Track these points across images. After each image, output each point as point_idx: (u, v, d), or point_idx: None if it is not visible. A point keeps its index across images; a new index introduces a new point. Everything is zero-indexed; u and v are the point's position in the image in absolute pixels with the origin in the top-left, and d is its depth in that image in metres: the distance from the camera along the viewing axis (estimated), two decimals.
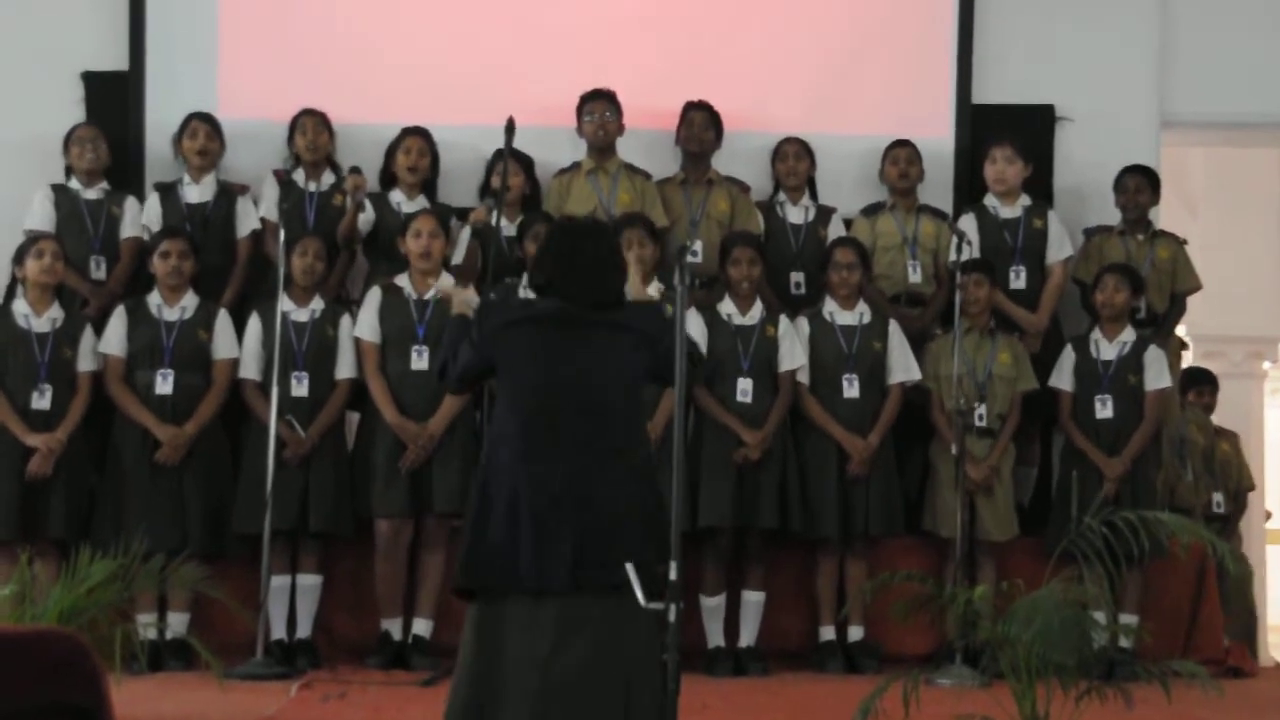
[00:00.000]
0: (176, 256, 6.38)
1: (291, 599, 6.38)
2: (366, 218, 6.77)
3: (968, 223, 7.03)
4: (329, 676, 6.06)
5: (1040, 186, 7.32)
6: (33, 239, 6.40)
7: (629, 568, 3.72)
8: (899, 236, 7.06)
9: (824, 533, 6.49)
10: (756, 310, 6.56)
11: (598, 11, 7.39)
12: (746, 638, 6.50)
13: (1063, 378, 6.77)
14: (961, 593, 4.68)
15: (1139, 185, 7.12)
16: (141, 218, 6.83)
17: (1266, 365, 10.74)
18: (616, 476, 3.94)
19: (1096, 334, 6.77)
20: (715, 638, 6.46)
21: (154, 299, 6.41)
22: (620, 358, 4.00)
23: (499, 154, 6.48)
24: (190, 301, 6.42)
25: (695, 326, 6.40)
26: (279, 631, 6.32)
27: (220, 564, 6.06)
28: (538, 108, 6.84)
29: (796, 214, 7.10)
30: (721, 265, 6.61)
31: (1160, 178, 7.23)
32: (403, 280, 6.48)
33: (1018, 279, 7.04)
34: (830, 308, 6.66)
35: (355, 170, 6.72)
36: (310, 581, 6.41)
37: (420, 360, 6.36)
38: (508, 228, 6.68)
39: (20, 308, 6.30)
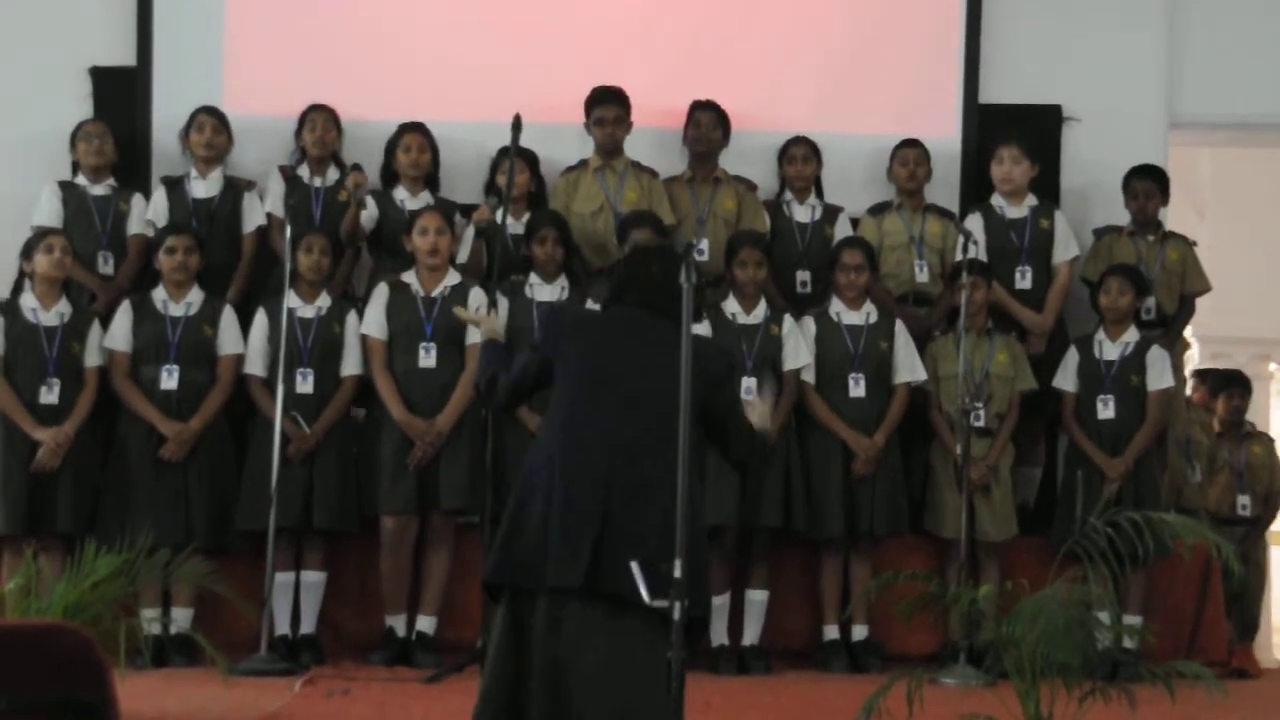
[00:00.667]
0: (182, 252, 6.39)
1: (296, 595, 6.38)
2: (370, 215, 6.78)
3: (974, 222, 7.03)
4: (333, 673, 6.06)
5: (1047, 187, 7.31)
6: (41, 234, 6.41)
7: (633, 566, 3.72)
8: (905, 236, 7.06)
9: (829, 532, 6.49)
10: (761, 309, 6.56)
11: (605, 9, 7.39)
12: (750, 636, 6.50)
13: (1066, 378, 6.77)
14: (965, 592, 4.68)
15: (1148, 187, 7.11)
16: (148, 213, 6.84)
17: (1273, 367, 10.75)
18: (655, 486, 3.90)
19: (1100, 334, 6.77)
20: (719, 636, 6.46)
21: (159, 294, 6.42)
22: (674, 376, 3.87)
23: (504, 151, 6.48)
24: (195, 297, 6.42)
25: (799, 336, 6.49)
26: (283, 627, 6.33)
27: (225, 559, 6.06)
28: (544, 105, 6.85)
29: (803, 213, 7.10)
30: (728, 264, 6.61)
31: (1170, 179, 7.22)
32: (410, 277, 6.48)
33: (1024, 279, 7.03)
34: (837, 307, 6.66)
35: (356, 167, 6.72)
36: (315, 578, 6.41)
37: (428, 357, 6.36)
38: (513, 225, 6.67)
39: (28, 302, 6.31)
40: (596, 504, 3.90)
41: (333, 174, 6.94)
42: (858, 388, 6.57)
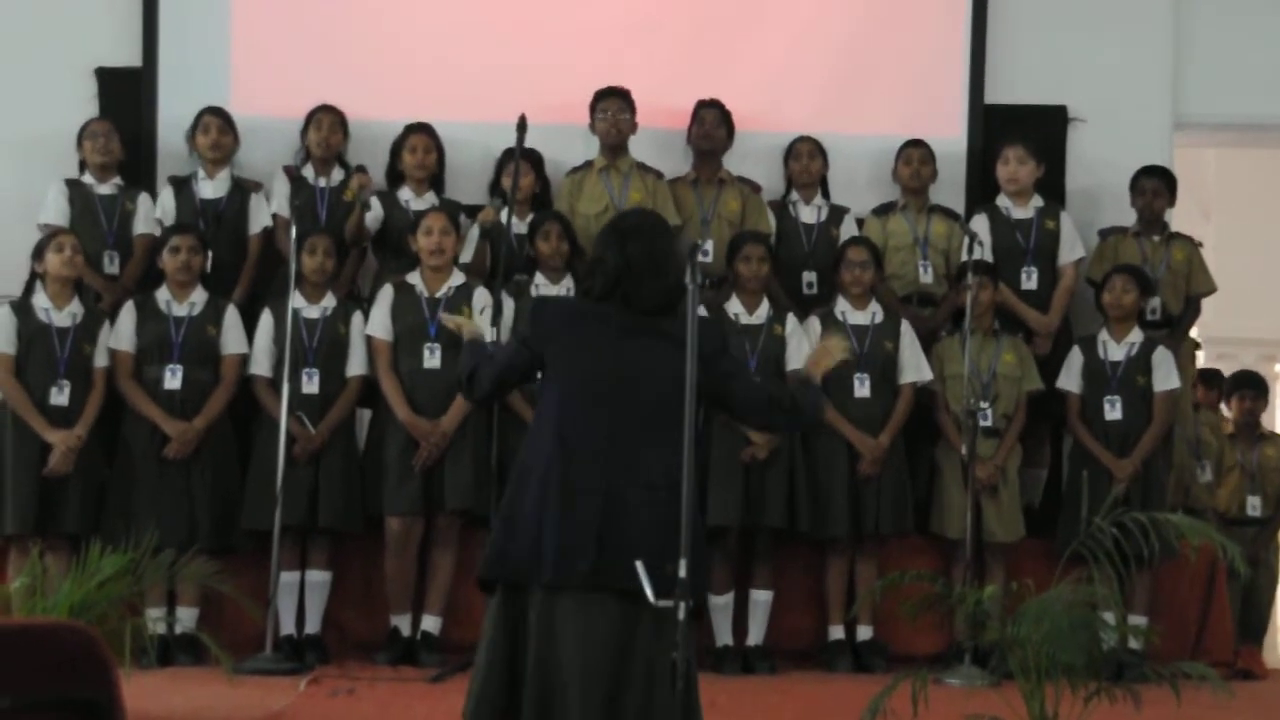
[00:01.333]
0: (186, 252, 6.39)
1: (301, 595, 6.39)
2: (375, 216, 6.78)
3: (980, 223, 7.03)
4: (338, 672, 6.07)
5: (1053, 187, 7.31)
6: (52, 233, 6.41)
7: (638, 565, 3.72)
8: (910, 236, 7.06)
9: (834, 532, 6.49)
10: (764, 309, 6.56)
11: (610, 10, 7.40)
12: (755, 636, 6.50)
13: (1071, 379, 6.76)
14: (971, 593, 4.68)
15: (1156, 187, 7.11)
16: (155, 212, 6.84)
17: (1278, 368, 10.74)
18: (648, 481, 3.90)
19: (1104, 335, 6.76)
20: (724, 636, 6.46)
21: (163, 295, 6.42)
22: (666, 366, 3.90)
23: (509, 152, 6.48)
24: (199, 297, 6.43)
25: (801, 336, 6.48)
26: (288, 627, 6.34)
27: (230, 559, 6.06)
28: (549, 106, 6.85)
29: (809, 213, 7.10)
30: (730, 263, 6.61)
31: (1178, 180, 7.22)
32: (414, 278, 6.48)
33: (1029, 280, 7.03)
34: (842, 307, 6.66)
35: (360, 169, 6.72)
36: (320, 577, 6.42)
37: (432, 358, 6.37)
38: (518, 226, 6.68)
39: (40, 302, 6.32)
40: (596, 499, 3.89)
41: (338, 174, 6.95)
42: (863, 388, 6.57)
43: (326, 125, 6.91)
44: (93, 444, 6.29)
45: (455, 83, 7.26)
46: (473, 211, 6.83)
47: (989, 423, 6.59)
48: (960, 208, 7.27)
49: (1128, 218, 7.20)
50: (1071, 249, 7.10)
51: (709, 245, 6.84)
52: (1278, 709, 6.19)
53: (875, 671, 6.31)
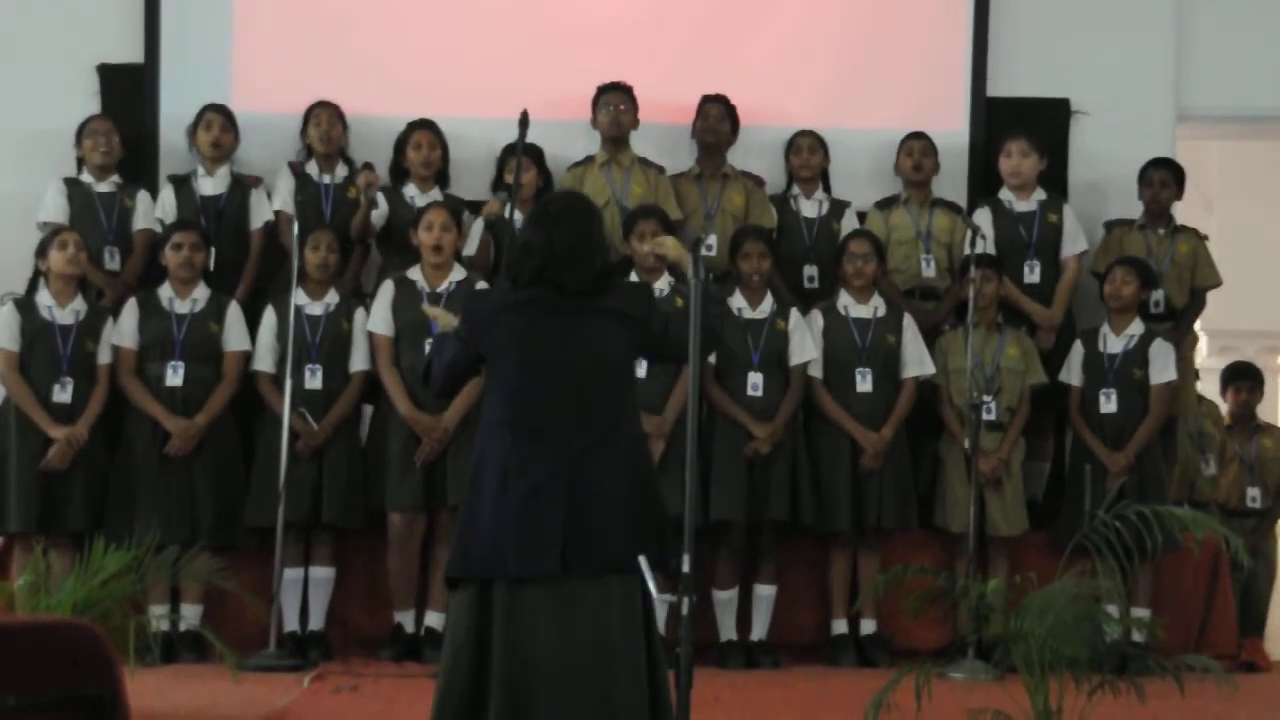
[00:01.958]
0: (188, 249, 6.39)
1: (304, 591, 6.39)
2: (380, 213, 6.78)
3: (983, 216, 7.02)
4: (342, 668, 6.08)
5: (1055, 180, 7.30)
6: (54, 231, 6.41)
7: (642, 561, 3.73)
8: (913, 230, 7.05)
9: (837, 526, 6.49)
10: (767, 304, 6.55)
11: (614, 5, 7.38)
12: (759, 631, 6.50)
13: (1072, 372, 6.76)
14: (974, 587, 4.68)
15: (1164, 179, 7.10)
16: (155, 210, 6.84)
17: None
18: (604, 461, 3.92)
19: (1105, 328, 6.76)
20: (727, 631, 6.46)
21: (165, 291, 6.42)
22: (605, 341, 3.97)
23: (510, 147, 6.48)
24: (201, 294, 6.43)
25: (806, 330, 6.51)
26: (292, 623, 6.34)
27: (233, 556, 6.07)
28: (552, 101, 6.84)
29: (810, 207, 7.10)
30: (732, 259, 6.61)
31: (1185, 172, 7.21)
32: (415, 273, 6.48)
33: (1032, 273, 7.03)
34: (845, 301, 6.65)
35: (367, 166, 6.71)
36: (323, 574, 6.42)
37: None
38: (521, 220, 6.66)
39: (44, 299, 6.32)
40: (557, 488, 3.90)
41: (341, 171, 6.94)
42: (865, 382, 6.56)
43: (325, 120, 6.91)
44: (95, 441, 6.29)
45: (458, 78, 7.26)
46: (475, 206, 6.83)
47: (992, 416, 6.58)
48: (963, 201, 7.26)
49: (1131, 210, 7.19)
50: (1074, 242, 7.09)
51: (713, 240, 6.84)
52: None
53: (879, 666, 6.31)
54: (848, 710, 5.03)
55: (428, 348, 6.33)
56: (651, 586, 3.71)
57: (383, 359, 6.42)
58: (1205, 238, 7.24)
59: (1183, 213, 7.33)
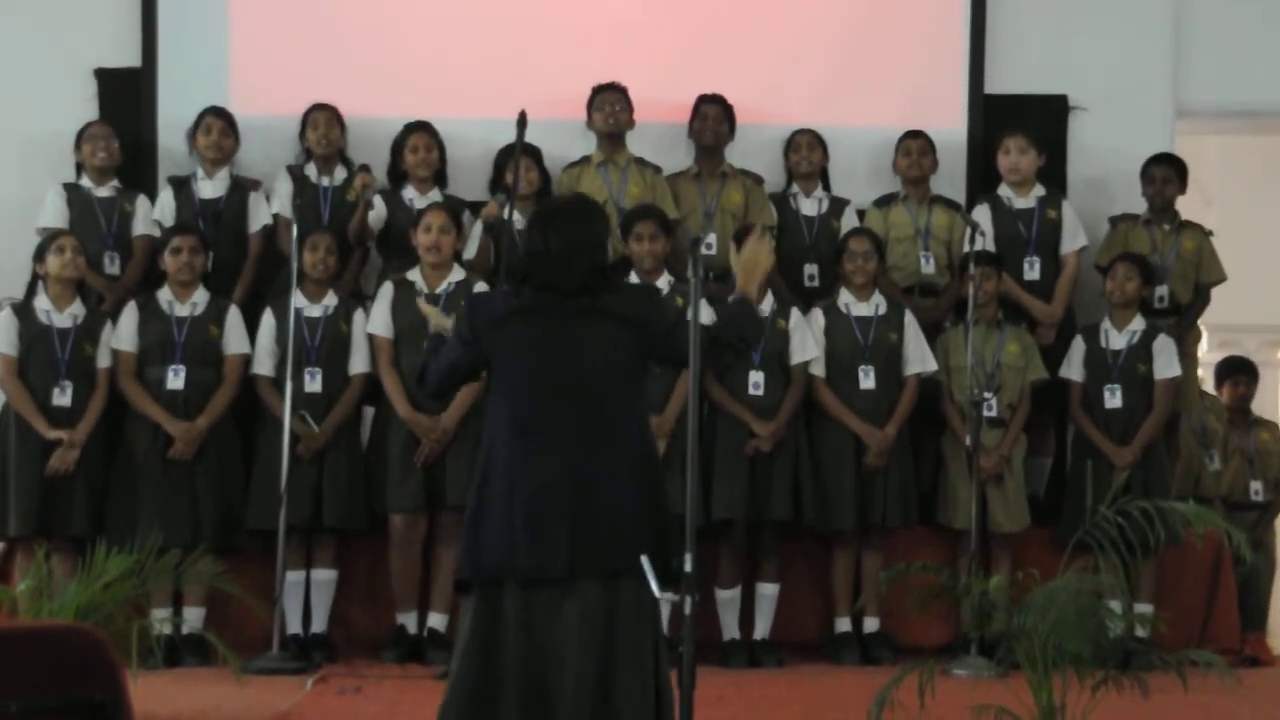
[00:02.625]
0: (187, 252, 6.39)
1: (306, 593, 6.39)
2: (378, 215, 6.78)
3: (982, 213, 7.02)
4: (344, 671, 6.08)
5: (1054, 176, 7.30)
6: (52, 235, 6.41)
7: (644, 561, 3.73)
8: (912, 228, 7.05)
9: (840, 524, 6.49)
10: (767, 303, 6.55)
11: (610, 5, 7.38)
12: (761, 630, 6.50)
13: (1073, 368, 6.76)
14: (977, 583, 4.68)
15: (1166, 175, 7.10)
16: (154, 213, 6.84)
17: None
18: (611, 463, 3.92)
19: (1106, 323, 6.76)
20: (730, 630, 6.46)
21: (165, 295, 6.42)
22: (608, 344, 3.97)
23: (508, 148, 6.47)
24: (201, 297, 6.43)
25: (806, 328, 6.50)
26: (294, 626, 6.34)
27: (235, 559, 6.07)
28: (549, 101, 6.84)
29: (810, 206, 7.10)
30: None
31: (1187, 167, 7.21)
32: (414, 275, 6.48)
33: (1032, 270, 7.03)
34: (846, 299, 6.65)
35: (364, 168, 6.71)
36: (325, 576, 6.42)
37: None
38: (520, 222, 6.67)
39: (42, 304, 6.32)
40: (564, 494, 3.89)
41: (340, 173, 6.94)
42: (868, 380, 6.56)
43: (323, 123, 6.90)
44: (97, 445, 6.29)
45: (455, 79, 7.26)
46: (474, 208, 6.82)
47: (994, 413, 6.58)
48: (962, 198, 7.26)
49: (1130, 206, 7.19)
50: (1074, 238, 7.09)
51: (712, 238, 6.84)
52: None
53: (882, 663, 6.31)
54: (851, 708, 5.04)
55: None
56: (654, 586, 3.70)
57: (383, 361, 6.42)
58: (1210, 233, 7.24)
59: (1182, 208, 7.33)
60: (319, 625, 6.40)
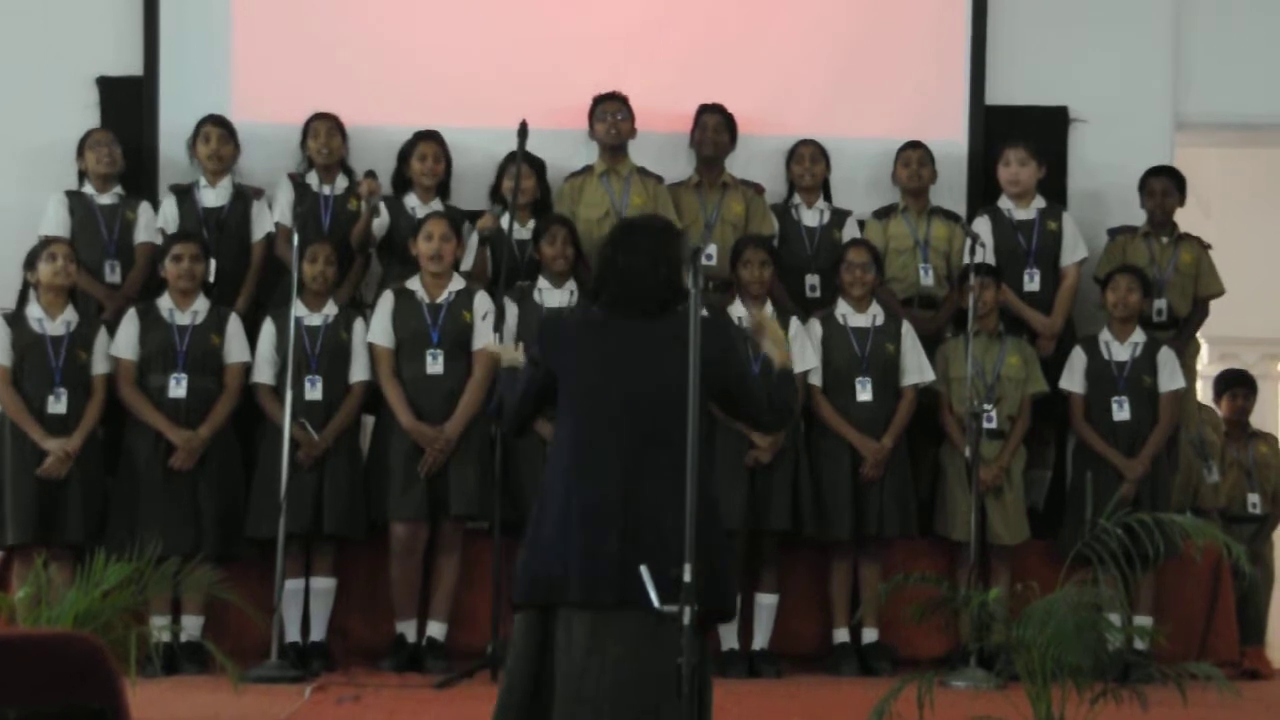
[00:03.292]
0: (188, 260, 6.39)
1: (306, 602, 6.39)
2: (381, 222, 6.78)
3: (982, 225, 7.02)
4: (343, 679, 6.07)
5: (1054, 188, 7.31)
6: (44, 243, 6.41)
7: (643, 570, 3.71)
8: (911, 239, 7.05)
9: (837, 534, 6.49)
10: (768, 312, 6.54)
11: (611, 15, 7.39)
12: (760, 640, 6.50)
13: (1074, 380, 6.76)
14: (976, 595, 4.67)
15: (1165, 187, 7.11)
16: (157, 221, 6.84)
17: None
18: (665, 492, 3.85)
19: (1107, 335, 6.76)
20: (729, 640, 6.46)
21: (165, 303, 6.42)
22: (675, 370, 3.86)
23: (511, 157, 6.48)
24: (201, 305, 6.43)
25: (805, 339, 6.49)
26: (293, 634, 6.34)
27: (234, 567, 6.07)
28: (550, 110, 6.86)
29: (811, 216, 7.10)
30: (733, 267, 6.61)
31: (1186, 180, 7.22)
32: (414, 284, 6.48)
33: (1032, 281, 7.03)
34: (843, 310, 6.66)
35: (370, 174, 6.71)
36: (324, 584, 6.42)
37: (434, 364, 6.37)
38: (519, 231, 6.67)
39: (34, 312, 6.32)
40: (616, 517, 3.87)
41: (342, 182, 6.94)
42: (865, 390, 6.57)
43: (324, 132, 6.91)
44: (94, 452, 6.29)
45: (457, 88, 7.26)
46: (474, 217, 6.83)
47: (993, 425, 6.58)
48: (962, 210, 7.27)
49: (1130, 218, 7.20)
50: (1074, 250, 7.09)
51: (713, 249, 6.85)
52: None
53: (881, 674, 6.31)
54: (850, 719, 5.03)
55: (428, 359, 6.36)
56: (653, 598, 3.69)
57: (383, 370, 6.42)
58: (1208, 246, 7.24)
59: (1181, 220, 7.33)
60: (318, 634, 6.40)
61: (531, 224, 6.77)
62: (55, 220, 6.77)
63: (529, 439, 6.22)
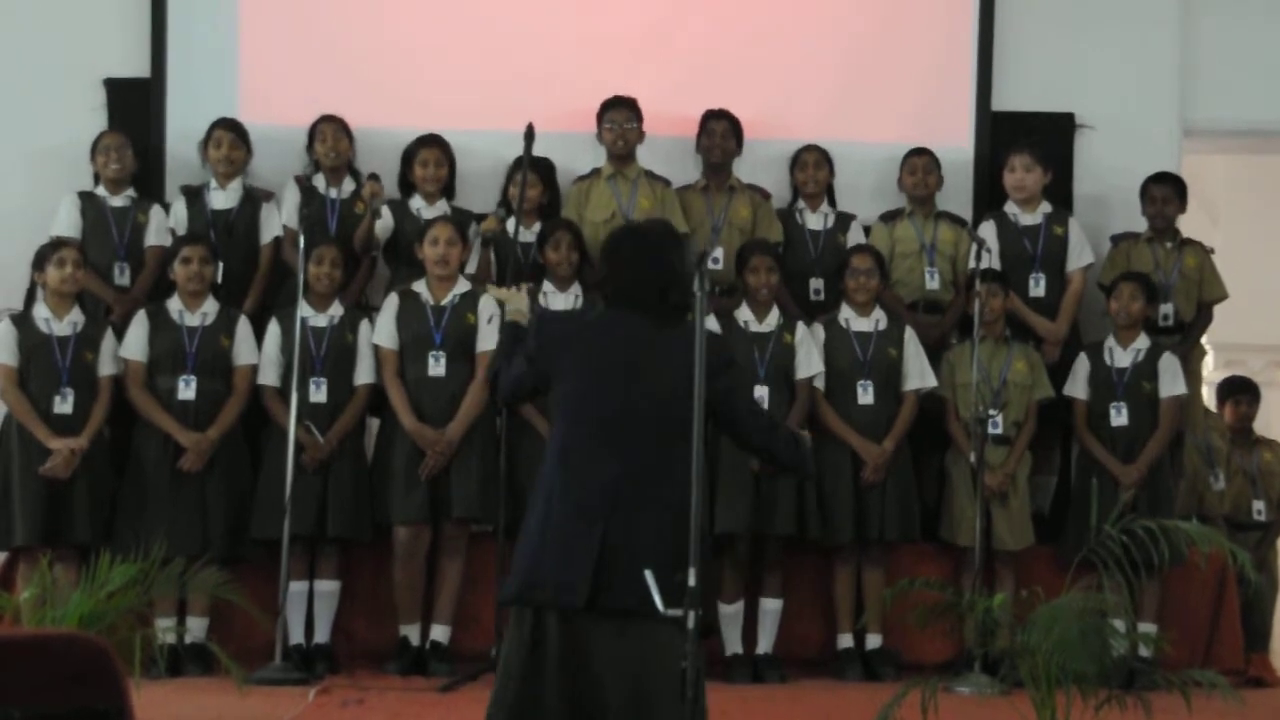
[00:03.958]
0: (197, 262, 6.40)
1: (310, 604, 6.39)
2: (385, 224, 6.78)
3: (988, 230, 7.02)
4: (347, 682, 6.07)
5: (1061, 194, 7.31)
6: (54, 245, 6.41)
7: (648, 574, 3.71)
8: (917, 244, 7.05)
9: (840, 539, 6.48)
10: (773, 317, 6.56)
11: (618, 19, 7.40)
12: (764, 645, 6.49)
13: (1078, 386, 6.76)
14: (980, 601, 4.67)
15: (1166, 195, 7.11)
16: (169, 222, 6.85)
17: None
18: (650, 501, 3.87)
19: (1111, 341, 6.76)
20: (733, 645, 6.46)
21: (174, 305, 6.43)
22: (671, 378, 3.89)
23: (519, 160, 6.49)
24: (211, 307, 6.44)
25: (811, 343, 6.48)
26: (297, 637, 6.33)
27: (239, 569, 6.07)
28: (558, 114, 6.86)
29: (816, 221, 7.11)
30: (739, 272, 6.61)
31: (1187, 186, 7.21)
32: (419, 286, 6.49)
33: (1037, 287, 7.03)
34: (846, 314, 6.66)
35: (373, 177, 6.72)
36: (328, 587, 6.42)
37: (438, 366, 6.37)
38: (525, 234, 6.68)
39: (41, 312, 6.32)
40: (595, 522, 3.86)
41: (349, 185, 6.95)
42: (867, 395, 6.56)
43: (330, 135, 6.91)
44: (102, 454, 6.30)
45: (465, 91, 7.27)
46: (483, 220, 6.83)
47: (999, 430, 6.58)
48: (968, 215, 7.26)
49: (1136, 224, 7.19)
50: (1079, 255, 7.09)
51: (719, 253, 6.85)
52: None
53: (885, 680, 6.30)
54: None
55: (431, 361, 6.36)
56: (659, 602, 3.69)
57: (388, 372, 6.42)
58: (1211, 251, 7.24)
59: (1187, 227, 7.33)
60: (322, 636, 6.40)
61: (538, 227, 6.78)
62: (66, 221, 6.78)
63: (531, 440, 6.23)
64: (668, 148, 7.13)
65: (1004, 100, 7.45)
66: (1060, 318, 7.01)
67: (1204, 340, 7.49)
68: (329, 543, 6.39)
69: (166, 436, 6.27)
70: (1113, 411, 6.67)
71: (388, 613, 6.42)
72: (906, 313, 6.91)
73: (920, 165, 7.10)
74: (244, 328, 6.45)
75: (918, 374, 6.63)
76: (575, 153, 7.05)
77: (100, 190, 6.86)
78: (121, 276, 6.80)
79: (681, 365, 3.81)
